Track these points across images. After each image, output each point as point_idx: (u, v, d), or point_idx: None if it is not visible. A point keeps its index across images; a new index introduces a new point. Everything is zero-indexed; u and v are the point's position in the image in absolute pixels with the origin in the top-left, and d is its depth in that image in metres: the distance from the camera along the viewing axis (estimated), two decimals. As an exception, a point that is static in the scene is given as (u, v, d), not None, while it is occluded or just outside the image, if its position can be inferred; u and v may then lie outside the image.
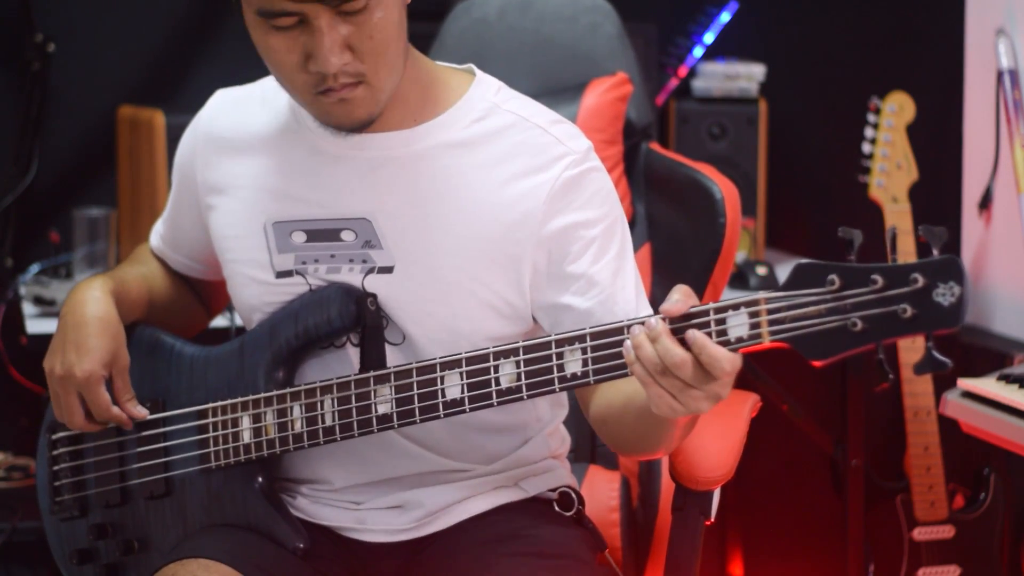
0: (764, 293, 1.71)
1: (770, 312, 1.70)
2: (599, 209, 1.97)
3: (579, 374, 1.81)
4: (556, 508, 2.07)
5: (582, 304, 1.95)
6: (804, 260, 1.72)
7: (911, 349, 3.22)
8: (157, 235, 2.25)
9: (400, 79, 1.93)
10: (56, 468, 2.13)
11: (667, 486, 2.22)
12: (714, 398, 1.73)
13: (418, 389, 1.89)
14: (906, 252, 3.18)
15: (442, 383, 1.88)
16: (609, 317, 1.93)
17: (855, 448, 3.26)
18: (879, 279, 1.65)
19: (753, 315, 1.71)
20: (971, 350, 3.26)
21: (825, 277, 1.68)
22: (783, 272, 3.41)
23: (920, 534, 3.29)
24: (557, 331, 1.95)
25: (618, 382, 1.87)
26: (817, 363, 1.69)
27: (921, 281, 1.64)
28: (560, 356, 1.82)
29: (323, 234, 2.00)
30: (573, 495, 2.08)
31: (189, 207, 2.14)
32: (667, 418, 1.77)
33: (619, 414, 1.91)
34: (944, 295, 1.64)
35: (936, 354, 1.66)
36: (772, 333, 1.70)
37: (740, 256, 3.41)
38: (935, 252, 1.65)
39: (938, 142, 3.47)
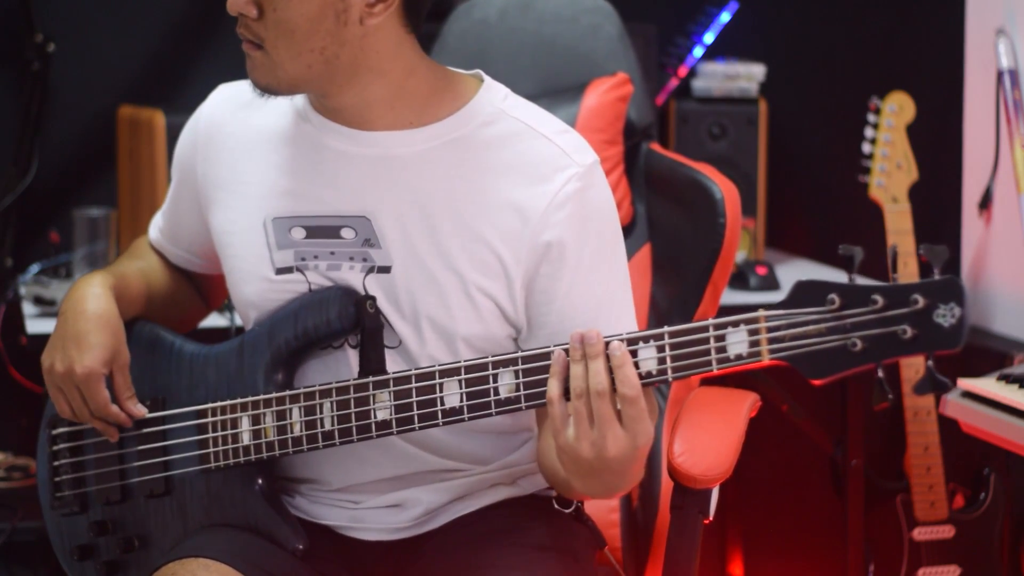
0: (764, 310, 1.71)
1: (770, 330, 1.70)
2: (596, 229, 1.96)
3: None
4: (555, 505, 2.07)
5: (560, 322, 1.94)
6: (800, 266, 1.72)
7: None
8: (156, 228, 2.24)
9: (312, 71, 1.92)
10: (56, 463, 2.13)
11: (667, 485, 2.22)
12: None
13: (417, 396, 1.89)
14: (906, 252, 3.18)
15: (441, 391, 1.88)
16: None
17: (855, 448, 3.26)
18: (879, 299, 1.65)
19: (753, 332, 1.72)
20: (971, 350, 3.26)
21: (825, 296, 1.68)
22: (783, 272, 3.41)
23: (920, 534, 3.29)
24: (535, 343, 1.96)
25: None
26: (816, 382, 1.69)
27: (922, 302, 1.64)
28: None
29: (323, 231, 2.00)
30: (572, 492, 2.08)
31: (189, 202, 2.14)
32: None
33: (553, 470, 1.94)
34: (945, 316, 1.64)
35: (937, 375, 1.66)
36: (772, 351, 1.70)
37: (740, 256, 3.41)
38: (936, 272, 1.65)
39: (938, 142, 3.48)
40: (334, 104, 1.97)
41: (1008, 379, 2.54)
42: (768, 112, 3.53)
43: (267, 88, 1.95)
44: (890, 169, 3.28)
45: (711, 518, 2.06)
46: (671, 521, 2.07)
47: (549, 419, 1.80)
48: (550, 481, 1.98)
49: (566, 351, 1.79)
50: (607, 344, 1.77)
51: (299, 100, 2.03)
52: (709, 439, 2.06)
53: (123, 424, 2.05)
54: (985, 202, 3.34)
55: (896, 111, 3.28)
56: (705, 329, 1.74)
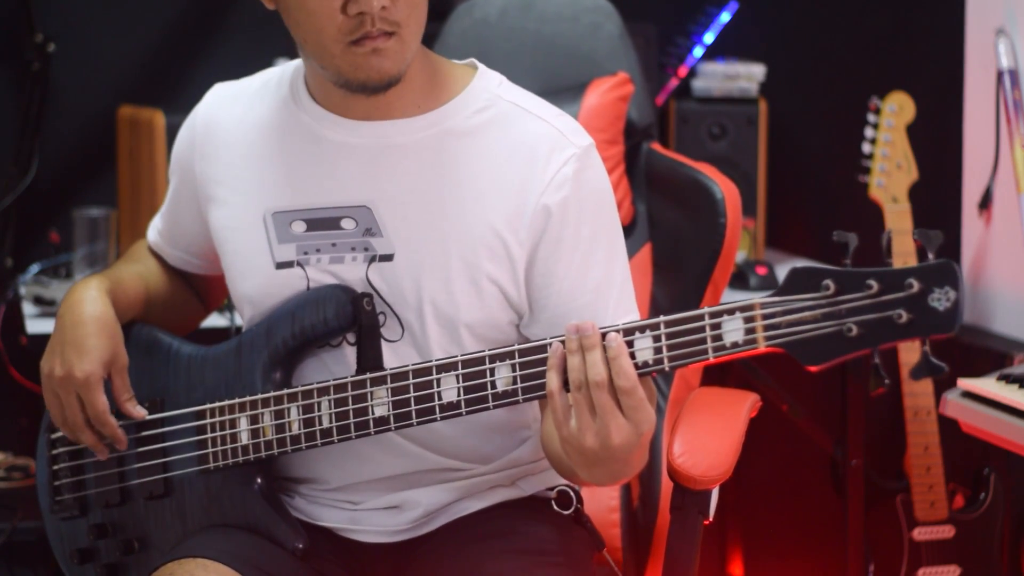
0: (759, 298, 1.71)
1: (765, 317, 1.70)
2: (594, 209, 1.97)
3: None
4: (554, 507, 2.07)
5: (560, 305, 1.95)
6: (799, 265, 1.72)
7: (911, 350, 3.22)
8: (155, 231, 2.24)
9: (418, 45, 1.93)
10: (56, 468, 2.13)
11: (667, 486, 2.22)
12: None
13: (415, 391, 1.89)
14: (906, 252, 3.18)
15: (438, 386, 1.88)
16: (588, 318, 1.94)
17: (855, 448, 3.26)
18: (874, 284, 1.65)
19: (748, 320, 1.72)
20: (971, 350, 3.26)
21: (820, 282, 1.68)
22: (783, 272, 3.40)
23: (920, 534, 3.29)
24: (537, 327, 1.96)
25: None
26: (812, 368, 1.69)
27: (916, 286, 1.64)
28: None
29: (323, 223, 2.00)
30: (571, 494, 2.07)
31: (188, 201, 2.14)
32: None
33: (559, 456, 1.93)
34: (940, 300, 1.64)
35: (932, 359, 1.66)
36: (767, 338, 1.70)
37: (740, 256, 3.41)
38: (930, 256, 1.65)
39: (938, 142, 3.48)
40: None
41: (1008, 379, 2.54)
42: (768, 112, 3.53)
43: (395, 77, 1.92)
44: (890, 169, 3.28)
45: (711, 519, 2.06)
46: (671, 522, 2.07)
47: (551, 411, 1.80)
48: (555, 467, 1.98)
49: (563, 343, 1.79)
50: (603, 335, 1.77)
51: (296, 93, 2.03)
52: (709, 440, 2.06)
53: (117, 440, 2.04)
54: (985, 202, 3.34)
55: (896, 111, 3.28)
56: (701, 318, 1.75)
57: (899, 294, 1.65)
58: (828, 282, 1.68)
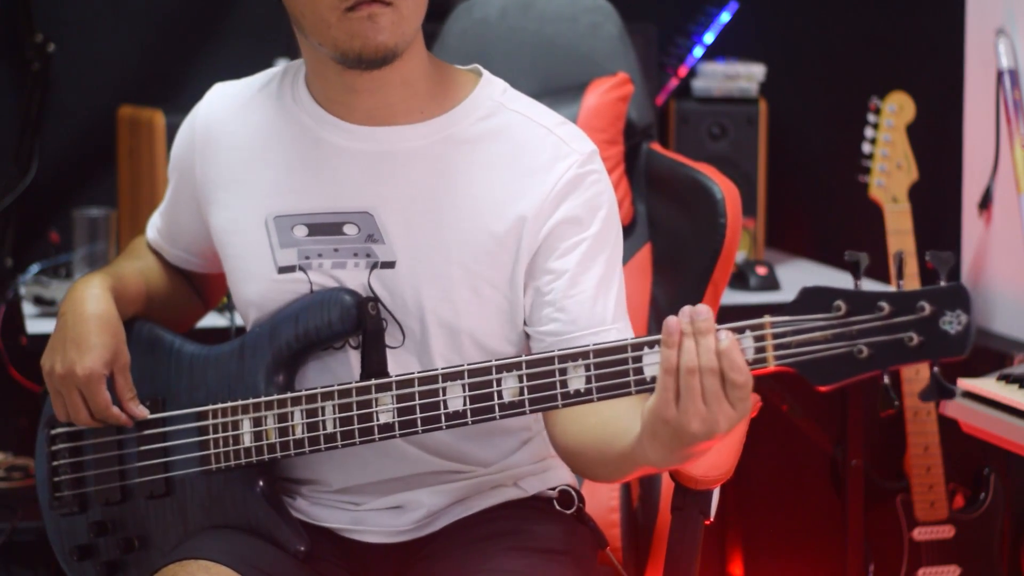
0: (769, 317, 1.70)
1: (775, 336, 1.69)
2: (595, 212, 1.97)
3: (582, 391, 1.80)
4: (556, 506, 2.07)
5: (560, 301, 1.94)
6: (810, 285, 1.70)
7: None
8: (154, 228, 2.24)
9: (419, 27, 1.92)
10: (55, 464, 2.13)
11: (667, 486, 2.22)
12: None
13: (420, 399, 1.88)
14: (906, 252, 3.18)
15: (444, 394, 1.87)
16: (585, 319, 1.94)
17: (855, 448, 3.26)
18: (886, 306, 1.65)
19: (759, 339, 1.70)
20: (971, 350, 3.25)
21: (831, 302, 1.67)
22: (783, 272, 3.41)
23: (920, 534, 3.29)
24: (532, 325, 1.95)
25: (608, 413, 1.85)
26: (822, 389, 1.68)
27: (928, 309, 1.63)
28: (563, 372, 1.80)
29: (325, 228, 1.99)
30: (573, 493, 2.08)
31: (187, 202, 2.13)
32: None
33: (600, 448, 1.87)
34: (951, 323, 1.63)
35: (942, 381, 1.65)
36: (777, 357, 1.69)
37: (740, 256, 3.41)
38: (942, 279, 1.64)
39: (938, 142, 3.48)
40: (362, 90, 1.96)
41: (1008, 379, 2.54)
42: (768, 112, 3.53)
43: (393, 50, 1.90)
44: (890, 169, 3.28)
45: (712, 519, 2.06)
46: (672, 522, 2.07)
47: (658, 391, 1.70)
48: (589, 461, 1.91)
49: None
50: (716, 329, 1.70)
51: (297, 94, 2.03)
52: (709, 440, 2.05)
53: (124, 425, 2.05)
54: (985, 202, 3.34)
55: (896, 111, 3.28)
56: None
57: (910, 316, 1.64)
58: (839, 303, 1.67)
